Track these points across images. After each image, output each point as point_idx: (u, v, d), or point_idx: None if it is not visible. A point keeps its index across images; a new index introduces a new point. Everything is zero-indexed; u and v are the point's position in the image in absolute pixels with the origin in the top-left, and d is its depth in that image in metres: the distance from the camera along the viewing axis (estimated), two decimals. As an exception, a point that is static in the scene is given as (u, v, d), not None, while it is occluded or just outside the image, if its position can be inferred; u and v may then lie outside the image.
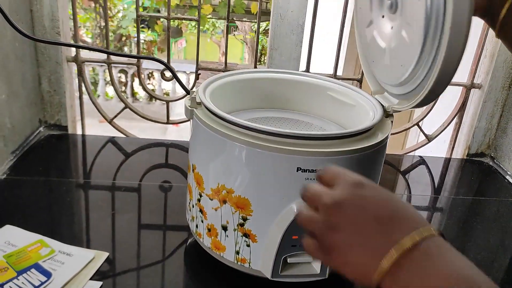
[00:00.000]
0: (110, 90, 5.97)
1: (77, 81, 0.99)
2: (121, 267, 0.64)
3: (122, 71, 5.21)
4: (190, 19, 0.96)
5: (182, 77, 4.88)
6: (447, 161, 1.08)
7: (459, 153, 1.09)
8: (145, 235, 0.71)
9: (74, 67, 0.98)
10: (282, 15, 0.92)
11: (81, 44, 1.04)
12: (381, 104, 0.66)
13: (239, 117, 0.56)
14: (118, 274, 0.62)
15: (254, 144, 0.53)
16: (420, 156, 1.07)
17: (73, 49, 0.95)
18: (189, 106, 0.59)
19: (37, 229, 0.66)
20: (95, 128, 1.05)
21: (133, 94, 5.82)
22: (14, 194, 0.77)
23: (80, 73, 0.96)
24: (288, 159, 0.52)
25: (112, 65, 0.97)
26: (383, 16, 0.61)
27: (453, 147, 1.09)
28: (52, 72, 0.93)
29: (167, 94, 6.09)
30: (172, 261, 0.67)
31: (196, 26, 0.94)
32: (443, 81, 0.51)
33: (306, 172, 0.53)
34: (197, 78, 0.99)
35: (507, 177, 1.00)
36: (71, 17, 0.94)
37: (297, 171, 0.53)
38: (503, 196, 0.93)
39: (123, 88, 5.33)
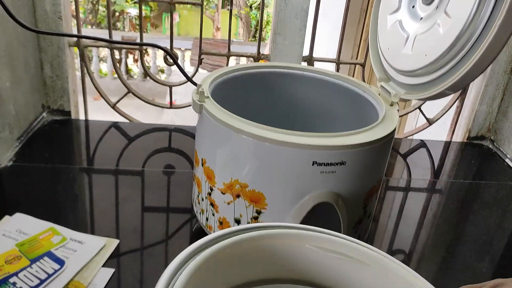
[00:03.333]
0: (103, 66, 5.91)
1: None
2: (130, 253, 0.65)
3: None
4: (194, 3, 0.95)
5: (177, 54, 4.84)
6: (447, 144, 1.09)
7: (459, 136, 1.10)
8: (151, 220, 0.72)
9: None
10: (286, 0, 0.92)
11: (83, 34, 1.02)
12: (386, 93, 0.67)
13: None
14: (128, 260, 0.64)
15: (268, 139, 0.53)
16: (421, 140, 1.08)
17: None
18: (197, 100, 0.59)
19: (46, 217, 0.67)
20: (91, 105, 1.04)
21: (128, 71, 5.77)
22: (22, 181, 0.77)
23: (83, 58, 0.96)
24: (304, 153, 0.53)
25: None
26: (413, 6, 0.61)
27: (453, 131, 1.10)
28: (54, 57, 0.93)
29: (162, 71, 6.05)
30: (177, 243, 0.68)
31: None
32: (475, 72, 0.53)
33: (322, 165, 0.54)
34: (200, 63, 0.99)
35: (507, 160, 1.02)
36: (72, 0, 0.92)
37: (312, 165, 0.54)
38: (502, 180, 0.95)
39: (118, 65, 5.27)
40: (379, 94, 0.68)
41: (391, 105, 0.65)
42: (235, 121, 0.55)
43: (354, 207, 0.59)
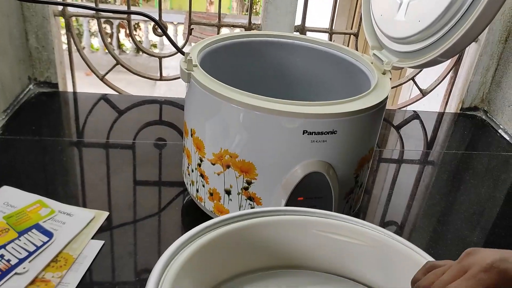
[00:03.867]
0: (95, 41, 5.81)
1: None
2: (121, 226, 0.64)
3: (107, 21, 5.05)
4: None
5: (170, 28, 4.76)
6: (441, 115, 1.08)
7: (452, 107, 1.09)
8: (142, 193, 0.72)
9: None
10: (278, -34, 0.89)
11: (68, 1, 1.00)
12: (379, 61, 0.65)
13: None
14: (119, 232, 0.63)
15: (258, 107, 0.52)
16: (414, 111, 1.07)
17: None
18: (185, 69, 0.58)
19: (34, 190, 0.66)
20: (82, 80, 1.02)
21: (120, 46, 5.68)
22: (9, 154, 0.76)
23: (68, 28, 0.93)
24: (294, 122, 0.52)
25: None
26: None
27: (447, 102, 1.09)
28: (39, 27, 0.90)
29: (155, 45, 5.96)
30: (168, 216, 0.68)
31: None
32: (468, 39, 0.52)
33: (312, 134, 0.53)
34: (189, 33, 0.97)
35: (499, 130, 1.01)
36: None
37: (303, 134, 0.53)
38: (494, 150, 0.95)
39: (109, 39, 5.19)
40: (372, 63, 0.66)
41: (384, 73, 0.64)
42: (224, 89, 0.54)
43: (345, 177, 0.58)
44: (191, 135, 0.61)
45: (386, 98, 0.58)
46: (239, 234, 0.45)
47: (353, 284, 0.49)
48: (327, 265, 0.49)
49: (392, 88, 1.08)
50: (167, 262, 0.39)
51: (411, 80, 1.06)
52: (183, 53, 0.60)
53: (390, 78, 0.64)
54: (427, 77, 1.10)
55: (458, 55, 1.02)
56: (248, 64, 0.73)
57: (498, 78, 1.03)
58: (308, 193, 0.56)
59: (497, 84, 1.03)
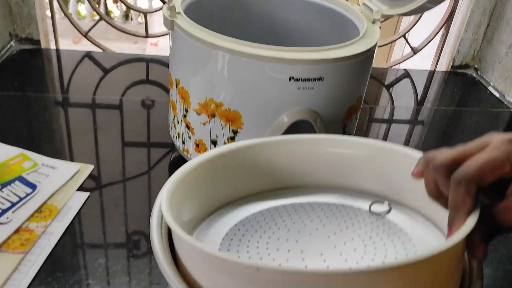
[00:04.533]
0: (81, 8, 5.68)
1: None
2: (106, 179, 0.63)
3: (94, -13, 4.92)
4: None
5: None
6: (431, 74, 1.07)
7: (443, 65, 1.08)
8: (129, 150, 0.71)
9: (42, -25, 0.91)
10: None
11: None
12: (369, 11, 0.64)
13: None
14: (104, 185, 0.62)
15: (243, 53, 0.51)
16: (405, 70, 1.06)
17: (40, -46, 0.88)
18: (168, 16, 0.56)
19: (17, 144, 0.65)
20: (70, 47, 1.00)
21: (107, 12, 5.55)
22: (-9, 109, 0.74)
23: (51, -15, 0.90)
24: (280, 68, 0.51)
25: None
26: None
27: (438, 60, 1.08)
28: (18, -20, 0.87)
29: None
30: (156, 173, 0.67)
31: None
32: None
33: (299, 81, 0.52)
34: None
35: (490, 88, 1.01)
36: None
37: (289, 80, 0.51)
38: (484, 107, 0.95)
39: (96, 6, 5.07)
40: (362, 12, 0.65)
41: (373, 22, 0.63)
42: (208, 35, 0.53)
43: (332, 126, 0.58)
44: (176, 85, 0.59)
45: (375, 45, 0.57)
46: (235, 156, 0.43)
47: (355, 192, 0.46)
48: (328, 181, 0.46)
49: (384, 45, 1.07)
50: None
51: (403, 40, 1.05)
52: (164, 2, 0.58)
53: (380, 27, 0.62)
54: (418, 34, 1.08)
55: (450, 11, 1.00)
56: (234, 16, 0.71)
57: (489, 35, 1.01)
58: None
59: (489, 41, 1.02)
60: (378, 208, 0.42)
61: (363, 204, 0.43)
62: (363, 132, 0.83)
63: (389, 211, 0.42)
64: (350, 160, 0.45)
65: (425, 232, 0.40)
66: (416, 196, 0.41)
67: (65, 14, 0.94)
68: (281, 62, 0.50)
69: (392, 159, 0.43)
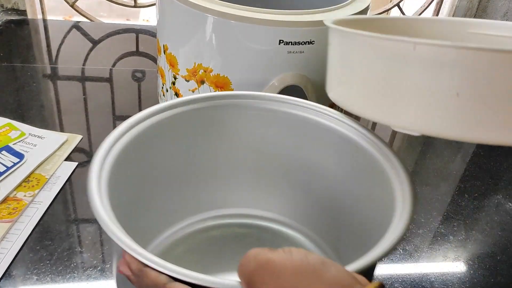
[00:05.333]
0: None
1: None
2: (96, 149, 0.62)
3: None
4: None
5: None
6: (425, 43, 1.06)
7: (437, 35, 1.06)
8: (119, 121, 0.70)
9: None
10: None
11: None
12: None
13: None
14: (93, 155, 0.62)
15: (232, 16, 0.49)
16: (399, 39, 1.04)
17: None
18: (155, -25, 0.54)
19: (3, 114, 0.64)
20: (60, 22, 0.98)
21: (99, -11, 5.45)
22: (-24, 80, 0.73)
23: (34, -50, 0.87)
24: (270, 31, 0.49)
25: None
26: None
27: (432, 29, 1.06)
28: None
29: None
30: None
31: None
32: None
33: (289, 45, 0.50)
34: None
35: (484, 57, 1.00)
36: None
37: (279, 44, 0.50)
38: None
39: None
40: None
41: (365, -14, 0.61)
42: (196, -2, 0.51)
43: (324, 92, 0.57)
44: (164, 52, 0.58)
45: (367, 8, 0.56)
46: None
47: None
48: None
49: (378, 14, 1.05)
50: (113, 142, 0.38)
51: (397, 7, 1.03)
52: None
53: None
54: (413, 4, 1.06)
55: (445, -22, 0.99)
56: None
57: (484, 3, 1.00)
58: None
59: (483, 9, 1.00)
60: None
61: None
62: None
63: None
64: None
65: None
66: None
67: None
68: (271, 25, 0.49)
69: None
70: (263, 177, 0.49)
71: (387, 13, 0.99)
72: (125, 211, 0.35)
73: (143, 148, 0.41)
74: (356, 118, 0.41)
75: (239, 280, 0.26)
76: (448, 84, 0.28)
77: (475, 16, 1.03)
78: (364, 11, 0.55)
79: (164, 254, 0.46)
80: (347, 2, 0.55)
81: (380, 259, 0.28)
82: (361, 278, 0.25)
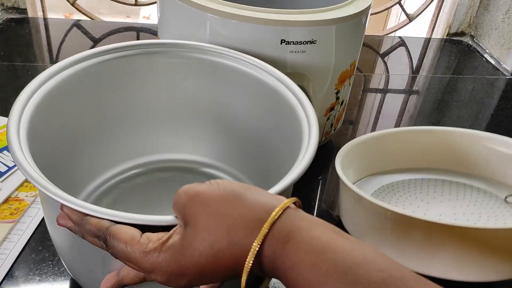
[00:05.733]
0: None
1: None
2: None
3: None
4: None
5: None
6: (427, 41, 1.06)
7: (439, 33, 1.06)
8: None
9: None
10: None
11: None
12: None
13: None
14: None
15: (234, 15, 0.49)
16: (400, 37, 1.04)
17: None
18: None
19: (5, 114, 0.64)
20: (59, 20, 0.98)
21: (99, -14, 5.43)
22: (-23, 80, 0.73)
23: None
24: (272, 30, 0.49)
25: None
26: None
27: (433, 27, 1.06)
28: None
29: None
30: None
31: None
32: None
33: (291, 44, 0.50)
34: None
35: (485, 55, 0.99)
36: None
37: (281, 43, 0.50)
38: (479, 74, 0.93)
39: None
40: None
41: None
42: (198, -2, 0.51)
43: (325, 92, 0.57)
44: (165, 51, 0.58)
45: (368, 7, 0.55)
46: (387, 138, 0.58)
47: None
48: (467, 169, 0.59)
49: (379, 12, 1.05)
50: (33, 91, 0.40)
51: (399, 8, 1.03)
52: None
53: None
54: (414, 2, 1.06)
55: (446, -24, 0.98)
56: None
57: (486, 1, 1.00)
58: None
59: (485, 7, 1.00)
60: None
61: (499, 193, 0.54)
62: (358, 101, 0.82)
63: None
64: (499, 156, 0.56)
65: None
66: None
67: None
68: (273, 24, 0.49)
69: None
70: (183, 122, 0.53)
71: (389, 11, 0.98)
72: (49, 164, 0.37)
73: (64, 98, 0.43)
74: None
75: (175, 215, 0.29)
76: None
77: (476, 15, 1.02)
78: (365, 10, 0.55)
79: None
80: (349, 1, 0.55)
81: (295, 182, 0.34)
82: (280, 197, 0.29)
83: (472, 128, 0.76)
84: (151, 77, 0.49)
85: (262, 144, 0.49)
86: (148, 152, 0.53)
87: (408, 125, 0.78)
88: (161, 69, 0.49)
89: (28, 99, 0.39)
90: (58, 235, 0.38)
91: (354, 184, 0.56)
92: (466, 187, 0.56)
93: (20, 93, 0.39)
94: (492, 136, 0.56)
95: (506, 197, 0.53)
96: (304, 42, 0.51)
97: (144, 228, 0.29)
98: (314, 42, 0.51)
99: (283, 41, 0.50)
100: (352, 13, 0.52)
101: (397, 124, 0.78)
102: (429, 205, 0.52)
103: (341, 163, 0.52)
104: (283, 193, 0.32)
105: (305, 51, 0.51)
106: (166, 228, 0.29)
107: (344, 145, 0.55)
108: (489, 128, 0.77)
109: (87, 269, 0.37)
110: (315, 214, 0.58)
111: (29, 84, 0.40)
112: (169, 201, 0.30)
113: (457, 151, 0.58)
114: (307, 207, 0.56)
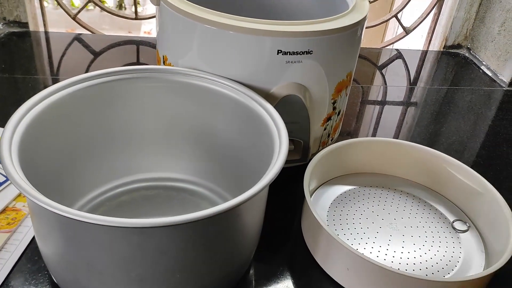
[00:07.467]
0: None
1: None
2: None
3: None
4: None
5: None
6: (424, 53, 1.07)
7: (436, 46, 1.07)
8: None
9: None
10: None
11: None
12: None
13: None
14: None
15: (230, 26, 0.50)
16: (397, 50, 1.05)
17: None
18: (154, -11, 0.55)
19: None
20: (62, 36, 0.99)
21: (101, 1, 5.50)
22: (-22, 92, 0.73)
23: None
24: (268, 41, 0.50)
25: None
26: None
27: (430, 40, 1.07)
28: (4, -39, 0.85)
29: (138, 3, 5.79)
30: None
31: None
32: None
33: (287, 54, 0.51)
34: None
35: (482, 67, 1.00)
36: None
37: (277, 54, 0.51)
38: (477, 85, 0.94)
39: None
40: (351, -12, 0.64)
41: (363, -3, 0.62)
42: (195, 9, 0.52)
43: (322, 101, 0.57)
44: (163, 62, 0.59)
45: (364, 18, 0.56)
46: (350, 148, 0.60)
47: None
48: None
49: (376, 25, 1.06)
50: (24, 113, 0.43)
51: (396, 21, 1.04)
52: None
53: (370, 1, 0.62)
54: (411, 15, 1.07)
55: (442, -10, 1.00)
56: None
57: (482, 14, 1.01)
58: (284, 117, 0.55)
59: (481, 20, 1.01)
60: (459, 225, 0.55)
61: (448, 215, 0.57)
62: (356, 113, 0.83)
63: (466, 231, 0.54)
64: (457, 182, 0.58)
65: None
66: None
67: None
68: (269, 35, 0.50)
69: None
70: (166, 143, 0.55)
71: (386, 24, 0.99)
72: (38, 183, 0.38)
73: (55, 120, 0.46)
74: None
75: None
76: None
77: (473, 27, 1.03)
78: (361, 21, 0.56)
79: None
80: (345, 12, 0.56)
81: (260, 191, 0.36)
82: None
83: (470, 139, 0.77)
84: (137, 101, 0.52)
85: (240, 160, 0.52)
86: (134, 171, 0.56)
87: (407, 136, 0.78)
88: (146, 93, 0.52)
89: (20, 119, 0.42)
90: (46, 247, 0.39)
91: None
92: (420, 202, 0.58)
93: (12, 115, 0.42)
94: (454, 162, 0.58)
95: (453, 221, 0.55)
96: (301, 53, 0.51)
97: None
98: (311, 52, 0.52)
99: (279, 51, 0.51)
100: (347, 24, 0.53)
101: (396, 135, 0.78)
102: (378, 217, 0.55)
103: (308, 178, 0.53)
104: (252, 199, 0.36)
105: (301, 61, 0.52)
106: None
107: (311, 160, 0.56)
108: (487, 139, 0.77)
109: (74, 278, 0.38)
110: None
111: (20, 107, 0.43)
112: (153, 217, 0.32)
113: (421, 165, 0.60)
114: (300, 213, 0.56)
